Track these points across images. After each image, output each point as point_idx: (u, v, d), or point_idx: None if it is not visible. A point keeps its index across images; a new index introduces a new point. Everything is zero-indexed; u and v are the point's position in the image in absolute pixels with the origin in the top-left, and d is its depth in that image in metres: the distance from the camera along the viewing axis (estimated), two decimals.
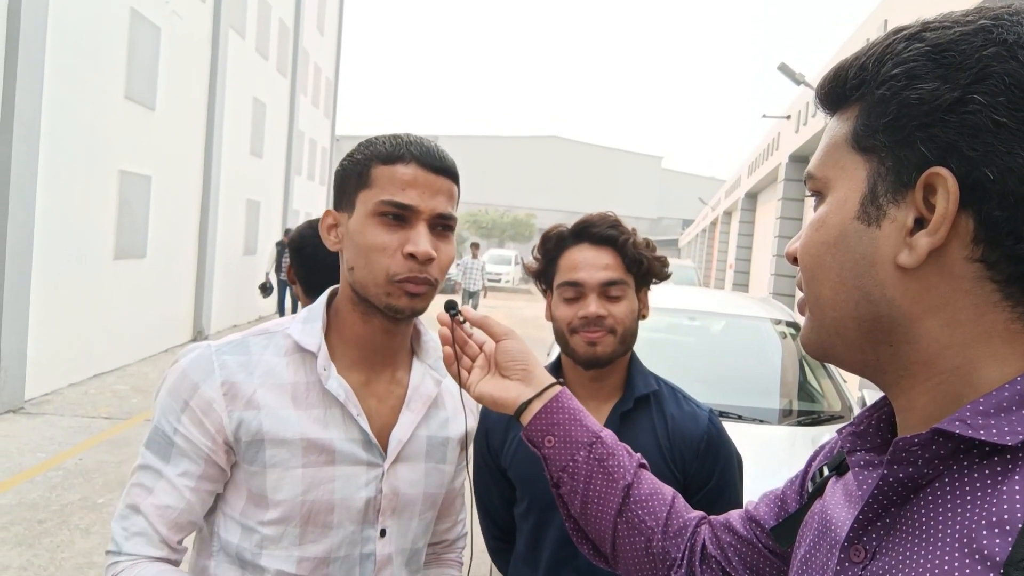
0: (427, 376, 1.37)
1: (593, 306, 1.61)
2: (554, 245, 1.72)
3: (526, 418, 1.11)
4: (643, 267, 1.67)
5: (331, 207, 1.30)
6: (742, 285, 21.21)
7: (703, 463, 1.66)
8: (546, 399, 1.12)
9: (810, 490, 0.85)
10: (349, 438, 1.24)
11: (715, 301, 5.50)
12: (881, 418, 0.72)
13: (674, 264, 21.78)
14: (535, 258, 1.77)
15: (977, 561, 0.55)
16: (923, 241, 0.60)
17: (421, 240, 1.18)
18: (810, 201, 0.73)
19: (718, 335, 4.82)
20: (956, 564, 0.57)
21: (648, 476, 1.11)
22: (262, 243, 17.10)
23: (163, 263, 11.30)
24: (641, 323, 1.70)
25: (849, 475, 0.75)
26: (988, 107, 0.58)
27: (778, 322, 4.73)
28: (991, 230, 0.58)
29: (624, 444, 1.14)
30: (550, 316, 1.72)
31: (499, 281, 32.82)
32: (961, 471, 0.60)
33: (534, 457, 1.31)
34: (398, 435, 1.29)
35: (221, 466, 1.20)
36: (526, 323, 17.47)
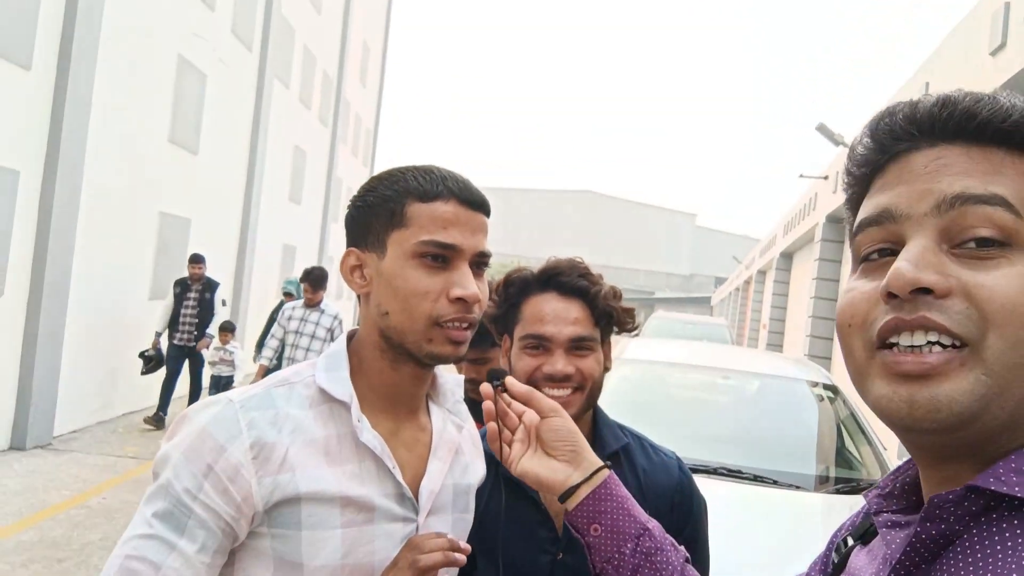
0: (448, 421, 1.29)
1: (560, 363, 1.48)
2: (517, 290, 1.58)
3: (572, 503, 1.10)
4: (612, 319, 1.56)
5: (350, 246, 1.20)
6: (776, 345, 20.92)
7: (678, 514, 1.54)
8: (594, 484, 1.10)
9: (835, 561, 0.84)
10: (384, 493, 1.14)
11: (750, 360, 5.38)
12: (906, 481, 0.73)
13: (707, 322, 21.69)
14: (492, 301, 1.58)
15: None
16: None
17: (468, 282, 1.12)
18: (847, 261, 0.73)
19: (753, 395, 4.70)
20: None
21: (693, 572, 1.10)
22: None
23: None
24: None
25: (874, 542, 0.76)
26: None
27: (815, 384, 4.59)
28: None
29: (670, 537, 1.12)
30: (508, 365, 1.58)
31: None
32: (989, 525, 0.60)
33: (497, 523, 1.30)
34: (429, 486, 1.19)
35: (237, 535, 1.06)
36: None
